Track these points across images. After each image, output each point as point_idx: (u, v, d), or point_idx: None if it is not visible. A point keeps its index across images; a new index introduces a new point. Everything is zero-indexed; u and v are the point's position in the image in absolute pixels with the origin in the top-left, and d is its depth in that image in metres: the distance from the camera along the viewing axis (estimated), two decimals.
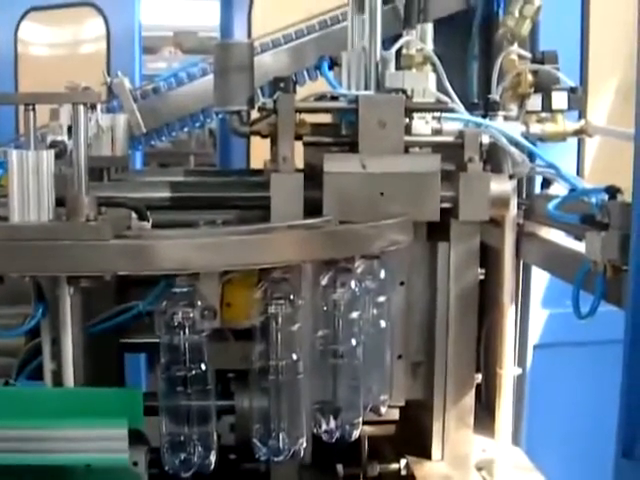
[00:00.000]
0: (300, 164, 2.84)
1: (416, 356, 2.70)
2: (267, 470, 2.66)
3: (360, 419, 2.42)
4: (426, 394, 2.71)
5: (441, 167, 2.52)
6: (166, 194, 2.53)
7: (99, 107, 2.86)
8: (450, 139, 2.59)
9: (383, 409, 2.58)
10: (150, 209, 2.28)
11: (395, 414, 2.85)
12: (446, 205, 2.53)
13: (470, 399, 2.69)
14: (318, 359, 2.37)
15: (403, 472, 2.72)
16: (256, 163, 2.61)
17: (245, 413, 2.47)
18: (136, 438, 2.12)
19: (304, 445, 2.37)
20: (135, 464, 2.15)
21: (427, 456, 2.70)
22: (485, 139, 2.61)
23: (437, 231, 2.61)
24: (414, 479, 2.63)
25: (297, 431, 2.33)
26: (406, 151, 2.54)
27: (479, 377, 2.77)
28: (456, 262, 2.61)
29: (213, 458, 2.28)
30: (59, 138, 2.68)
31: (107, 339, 2.60)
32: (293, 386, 2.30)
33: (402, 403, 2.74)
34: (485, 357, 3.23)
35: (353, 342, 2.35)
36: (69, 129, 2.68)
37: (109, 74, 3.52)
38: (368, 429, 2.76)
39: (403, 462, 2.72)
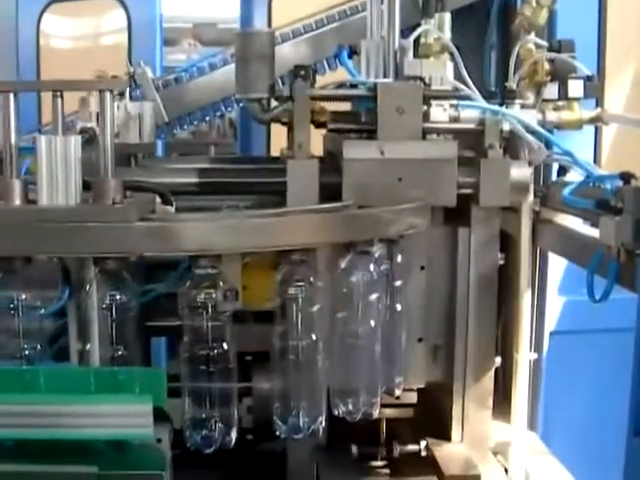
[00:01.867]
0: (320, 151, 2.89)
1: (436, 339, 2.73)
2: (284, 450, 2.71)
3: (378, 399, 2.46)
4: (446, 377, 2.75)
5: (461, 154, 2.55)
6: (189, 180, 2.58)
7: (127, 95, 2.91)
8: (472, 126, 2.63)
9: (398, 391, 2.62)
10: (174, 194, 2.34)
11: (413, 397, 2.89)
12: (467, 191, 2.57)
13: (489, 381, 2.73)
14: (336, 340, 2.41)
15: (423, 453, 2.75)
16: (276, 153, 2.65)
17: (263, 395, 2.52)
18: (160, 416, 2.16)
19: (323, 424, 2.42)
20: (159, 441, 2.19)
21: (446, 438, 2.74)
22: (505, 126, 2.65)
23: (458, 216, 2.65)
24: (434, 460, 2.66)
25: (316, 410, 2.38)
26: (424, 138, 2.58)
27: (498, 361, 2.80)
28: (476, 247, 2.65)
29: (234, 435, 2.33)
30: (88, 125, 2.72)
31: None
32: (312, 366, 2.35)
33: (422, 385, 2.77)
34: (502, 344, 3.26)
35: (371, 324, 2.39)
36: (98, 116, 2.73)
37: (132, 64, 3.57)
38: (387, 411, 2.81)
39: (423, 444, 2.76)
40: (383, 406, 2.58)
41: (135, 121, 2.84)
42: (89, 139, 2.55)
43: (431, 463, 2.68)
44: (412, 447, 2.78)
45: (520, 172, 2.65)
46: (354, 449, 2.72)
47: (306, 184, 2.47)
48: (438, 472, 2.61)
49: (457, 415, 2.73)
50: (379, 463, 2.81)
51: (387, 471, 2.79)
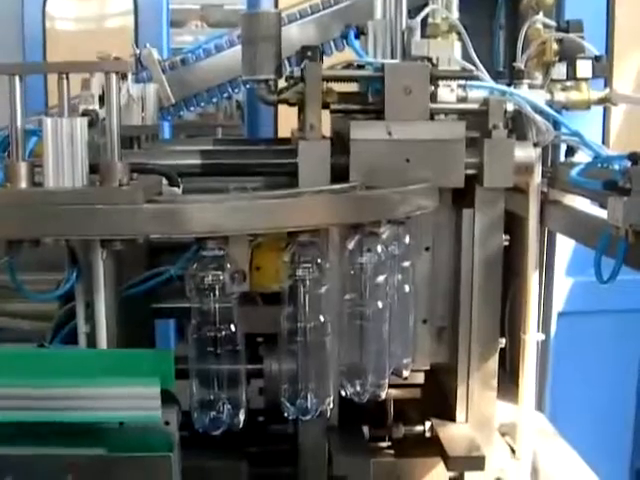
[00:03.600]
0: (327, 132, 2.88)
1: (441, 320, 2.74)
2: (295, 432, 2.72)
3: (386, 381, 2.47)
4: (451, 358, 2.74)
5: (466, 134, 2.55)
6: (196, 161, 2.57)
7: (130, 77, 2.91)
8: (475, 106, 2.61)
9: (406, 372, 2.62)
10: (180, 176, 2.33)
11: (420, 378, 2.90)
12: (471, 172, 2.56)
13: (494, 363, 2.72)
14: (344, 322, 2.42)
15: (427, 434, 2.76)
16: (283, 134, 2.64)
17: (274, 376, 2.52)
18: (168, 398, 2.17)
19: (331, 405, 2.42)
20: (167, 423, 2.19)
21: (451, 419, 2.74)
22: (509, 106, 2.64)
23: (462, 198, 2.64)
24: (439, 441, 2.66)
25: (324, 391, 2.38)
26: (432, 118, 2.57)
27: (503, 342, 2.80)
28: (480, 228, 2.64)
29: (242, 417, 2.34)
30: (91, 107, 2.72)
31: (139, 304, 2.68)
32: (321, 347, 2.35)
33: (427, 367, 2.78)
34: (510, 325, 3.27)
35: (379, 305, 2.39)
36: (100, 98, 2.72)
37: (137, 46, 3.56)
38: (394, 392, 2.81)
39: (428, 424, 2.76)
40: (390, 387, 2.58)
41: (138, 103, 2.83)
42: (91, 122, 2.55)
43: (435, 444, 2.68)
44: (417, 428, 2.78)
45: (524, 153, 2.64)
46: (365, 430, 2.73)
47: (317, 165, 2.46)
48: (442, 453, 2.62)
49: (462, 396, 2.73)
50: (389, 444, 2.82)
51: (395, 452, 2.80)
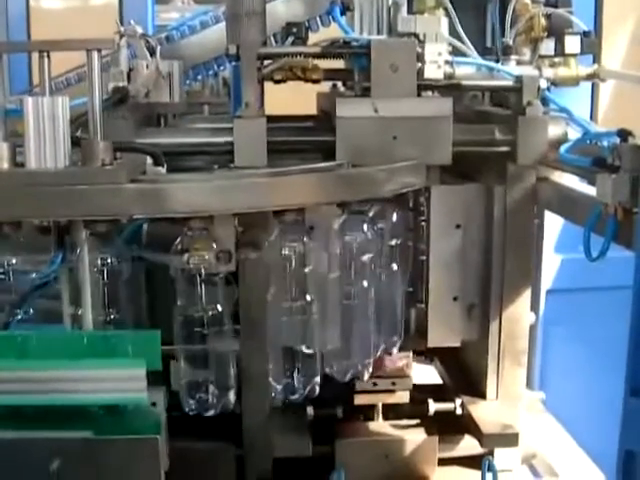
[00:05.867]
0: (314, 110, 2.86)
1: (472, 298, 2.71)
2: None
3: (371, 360, 2.46)
4: (481, 335, 2.73)
5: (496, 112, 2.53)
6: (180, 140, 2.54)
7: (158, 53, 2.86)
8: (509, 83, 2.60)
9: (395, 350, 2.61)
10: (165, 155, 2.31)
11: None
12: (504, 149, 2.55)
13: (524, 340, 2.71)
14: (331, 301, 2.40)
15: (459, 411, 2.76)
16: (269, 112, 2.61)
17: None
18: (154, 379, 2.15)
19: (318, 384, 2.41)
20: (154, 404, 2.18)
21: (482, 396, 2.74)
22: (543, 84, 2.62)
23: (491, 174, 2.64)
24: (470, 418, 2.66)
25: (311, 370, 2.38)
26: (420, 95, 2.54)
27: (533, 318, 2.79)
28: (512, 205, 2.62)
29: (233, 397, 2.33)
30: (121, 84, 2.68)
31: None
32: (307, 326, 2.34)
33: (458, 344, 2.77)
34: None
35: (364, 284, 2.38)
36: (128, 75, 2.69)
37: (122, 24, 3.51)
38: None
39: (458, 402, 2.76)
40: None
41: (166, 80, 2.77)
42: (121, 98, 2.52)
43: (467, 422, 2.69)
44: (448, 405, 2.78)
45: (557, 129, 2.62)
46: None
47: (254, 143, 2.39)
48: (476, 430, 2.62)
49: (492, 373, 2.72)
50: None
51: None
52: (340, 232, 2.37)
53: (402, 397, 2.80)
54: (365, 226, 2.36)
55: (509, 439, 2.60)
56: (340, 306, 2.41)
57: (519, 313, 2.69)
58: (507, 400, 2.72)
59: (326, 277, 2.40)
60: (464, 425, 2.74)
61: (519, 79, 2.57)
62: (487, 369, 2.71)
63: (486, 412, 2.68)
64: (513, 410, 2.71)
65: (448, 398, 2.80)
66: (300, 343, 2.37)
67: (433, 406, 2.78)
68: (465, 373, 2.88)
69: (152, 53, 2.79)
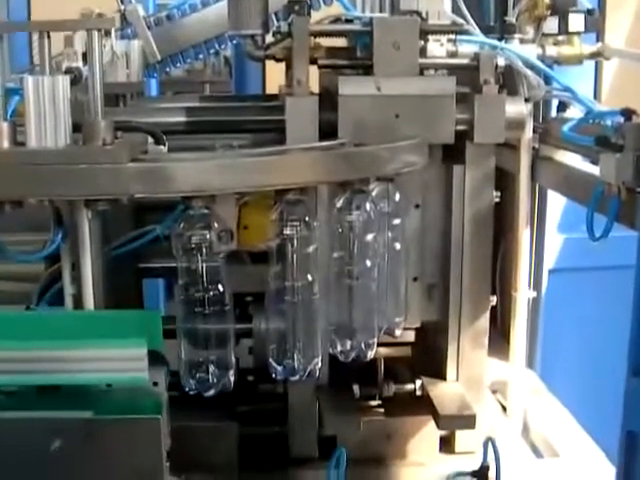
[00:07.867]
0: (315, 88, 2.83)
1: (431, 278, 2.71)
2: (284, 391, 2.71)
3: (375, 340, 2.45)
4: (441, 316, 2.72)
5: (456, 90, 2.51)
6: (181, 119, 2.53)
7: (113, 34, 2.85)
8: (465, 61, 2.57)
9: (398, 331, 2.60)
10: (166, 134, 2.29)
11: (411, 336, 2.89)
12: (461, 128, 2.52)
13: (485, 321, 2.70)
14: (333, 281, 2.39)
15: (418, 392, 2.74)
16: (271, 90, 2.59)
17: (263, 335, 2.49)
18: (155, 359, 2.15)
19: (319, 365, 2.41)
20: (155, 384, 2.17)
21: (442, 377, 2.73)
22: (500, 61, 2.60)
23: (452, 154, 2.61)
24: (429, 399, 2.65)
25: (312, 351, 2.37)
26: (421, 74, 2.53)
27: (494, 299, 2.78)
28: (471, 185, 2.60)
29: (232, 377, 2.32)
30: (74, 65, 2.67)
31: (126, 264, 2.65)
32: (309, 307, 2.33)
33: (418, 325, 2.76)
34: (501, 282, 3.26)
35: (368, 264, 2.37)
36: (83, 56, 2.67)
37: (122, 2, 3.49)
38: (384, 351, 2.80)
39: (418, 383, 2.74)
40: (380, 345, 2.57)
41: (122, 60, 2.78)
42: (74, 79, 2.50)
43: (426, 403, 2.67)
44: (408, 386, 2.77)
45: (516, 108, 2.60)
46: (355, 389, 2.71)
47: (305, 122, 2.42)
48: (433, 412, 2.61)
49: (452, 354, 2.71)
50: (379, 403, 2.81)
51: (385, 410, 2.79)
52: (342, 211, 2.35)
53: None
54: (368, 205, 2.34)
55: (466, 421, 2.57)
56: (344, 285, 2.40)
57: (480, 294, 2.68)
58: (468, 381, 2.71)
59: (330, 256, 2.39)
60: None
61: (476, 57, 2.54)
62: (447, 350, 2.71)
63: (445, 393, 2.67)
64: (474, 392, 2.70)
65: (409, 379, 2.79)
66: (304, 322, 2.35)
67: (392, 387, 2.77)
68: (428, 354, 2.86)
69: (107, 33, 2.77)
